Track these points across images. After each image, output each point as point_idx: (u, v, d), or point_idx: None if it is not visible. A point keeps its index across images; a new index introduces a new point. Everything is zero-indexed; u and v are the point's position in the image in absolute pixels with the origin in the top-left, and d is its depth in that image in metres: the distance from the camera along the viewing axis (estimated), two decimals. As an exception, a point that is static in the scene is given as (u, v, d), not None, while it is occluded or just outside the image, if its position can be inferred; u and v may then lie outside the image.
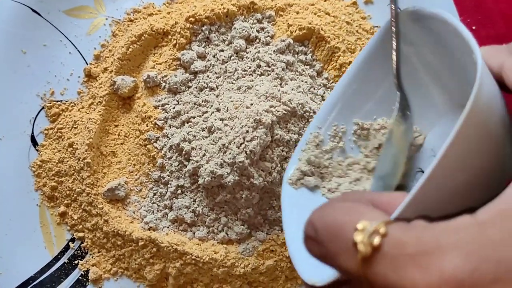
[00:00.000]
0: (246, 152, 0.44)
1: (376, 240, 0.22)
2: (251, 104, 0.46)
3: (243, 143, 0.44)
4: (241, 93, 0.48)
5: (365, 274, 0.23)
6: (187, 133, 0.47)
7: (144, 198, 0.49)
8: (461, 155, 0.25)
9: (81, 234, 0.49)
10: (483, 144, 0.27)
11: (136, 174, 0.50)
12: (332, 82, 0.51)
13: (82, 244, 0.49)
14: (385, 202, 0.26)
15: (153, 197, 0.49)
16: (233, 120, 0.46)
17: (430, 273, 0.20)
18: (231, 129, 0.45)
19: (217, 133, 0.46)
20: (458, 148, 0.25)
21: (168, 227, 0.48)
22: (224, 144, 0.45)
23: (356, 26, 0.53)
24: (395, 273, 0.21)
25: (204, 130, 0.47)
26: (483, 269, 0.19)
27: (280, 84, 0.48)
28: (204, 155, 0.46)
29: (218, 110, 0.48)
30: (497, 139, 0.28)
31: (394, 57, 0.38)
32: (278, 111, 0.45)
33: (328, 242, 0.24)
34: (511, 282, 0.19)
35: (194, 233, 0.48)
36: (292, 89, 0.47)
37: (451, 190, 0.26)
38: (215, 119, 0.47)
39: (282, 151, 0.45)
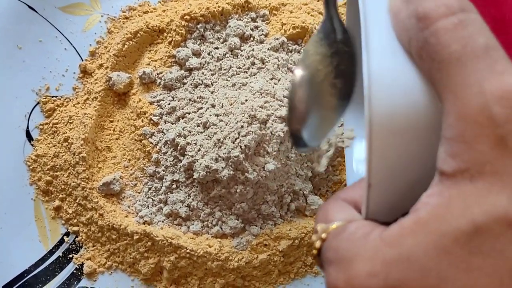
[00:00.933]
0: (241, 147, 0.45)
1: (318, 244, 0.28)
2: (246, 100, 0.47)
3: (238, 138, 0.45)
4: (236, 90, 0.49)
5: (321, 268, 0.28)
6: (182, 129, 0.48)
7: (139, 193, 0.50)
8: (389, 160, 0.26)
9: (75, 228, 0.50)
10: (407, 145, 0.26)
11: (131, 169, 0.50)
12: (325, 80, 0.51)
13: (77, 238, 0.50)
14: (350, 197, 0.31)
15: (148, 191, 0.50)
16: (228, 116, 0.47)
17: (342, 275, 0.25)
18: (226, 124, 0.46)
19: (212, 128, 0.47)
20: (383, 156, 0.26)
21: (162, 221, 0.49)
22: (219, 139, 0.46)
23: (348, 25, 0.54)
24: (326, 271, 0.26)
25: (199, 126, 0.48)
26: (372, 281, 0.23)
27: (274, 81, 0.49)
28: (199, 150, 0.46)
29: (213, 106, 0.48)
30: (421, 135, 0.27)
31: None
32: (272, 107, 0.46)
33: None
34: None
35: (188, 227, 0.48)
36: (286, 87, 0.48)
37: (397, 189, 0.27)
38: (210, 115, 0.47)
39: (276, 146, 0.46)
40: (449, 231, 0.22)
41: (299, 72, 0.37)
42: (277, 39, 0.51)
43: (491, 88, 0.22)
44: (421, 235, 0.23)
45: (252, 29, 0.52)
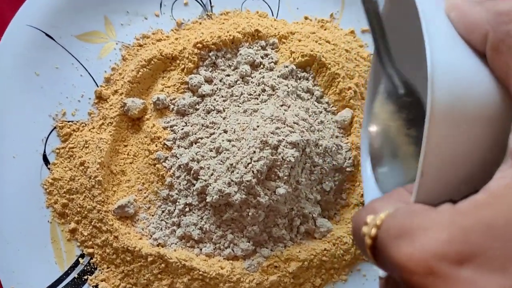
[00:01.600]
0: (253, 171, 0.46)
1: (373, 231, 0.27)
2: (258, 126, 0.48)
3: (250, 163, 0.47)
4: (247, 116, 0.51)
5: (375, 261, 0.28)
6: (196, 153, 0.49)
7: (153, 216, 0.51)
8: (445, 150, 0.27)
9: (90, 250, 0.51)
10: (467, 133, 0.27)
11: (145, 192, 0.52)
12: (332, 106, 0.53)
13: (92, 260, 0.51)
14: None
15: (161, 214, 0.51)
16: (240, 141, 0.48)
17: (414, 246, 0.24)
18: (239, 149, 0.48)
19: (225, 153, 0.48)
20: (439, 146, 0.26)
21: (176, 244, 0.50)
22: (232, 164, 0.47)
23: (355, 53, 0.56)
24: (387, 252, 0.26)
25: (212, 151, 0.49)
26: (452, 247, 0.23)
27: (284, 108, 0.51)
28: (212, 174, 0.48)
29: (225, 131, 0.50)
30: (483, 124, 0.28)
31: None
32: (283, 133, 0.48)
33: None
34: (471, 261, 0.23)
35: (201, 249, 0.50)
36: (296, 113, 0.50)
37: (453, 177, 0.28)
38: (223, 140, 0.49)
39: (287, 171, 0.48)
40: None
41: (373, 133, 0.40)
42: (287, 66, 0.53)
43: None
44: (499, 206, 0.24)
45: (262, 57, 0.54)
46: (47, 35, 0.54)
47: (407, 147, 0.40)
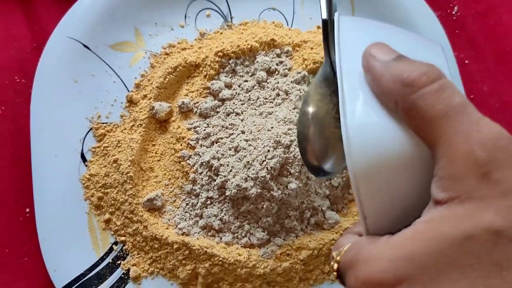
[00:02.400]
0: (267, 168, 0.52)
1: (335, 266, 0.35)
2: (272, 128, 0.54)
3: (265, 160, 0.52)
4: (263, 118, 0.56)
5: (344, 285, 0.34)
6: (216, 152, 0.55)
7: (178, 208, 0.57)
8: (376, 197, 0.32)
9: (123, 238, 0.57)
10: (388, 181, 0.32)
11: (171, 187, 0.58)
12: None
13: (124, 247, 0.57)
14: (356, 231, 0.38)
15: (186, 206, 0.57)
16: (256, 141, 0.54)
17: (357, 275, 0.31)
18: (254, 148, 0.53)
19: (242, 152, 0.54)
20: (369, 195, 0.32)
21: (198, 233, 0.56)
22: (248, 161, 0.53)
23: (363, 60, 0.61)
24: (344, 280, 0.33)
25: (231, 149, 0.55)
26: (384, 275, 0.29)
27: (296, 111, 0.56)
28: (231, 170, 0.53)
29: (243, 132, 0.55)
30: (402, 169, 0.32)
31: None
32: (295, 133, 0.53)
33: None
34: (400, 285, 0.29)
35: (221, 238, 0.55)
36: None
37: (389, 217, 0.33)
38: (241, 140, 0.54)
39: (298, 168, 0.53)
40: (445, 238, 0.28)
41: (303, 111, 0.45)
42: (299, 73, 0.58)
43: (473, 138, 0.29)
44: (421, 241, 0.29)
45: (277, 64, 0.59)
46: (84, 45, 0.60)
47: (333, 129, 0.45)
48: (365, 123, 0.32)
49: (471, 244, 0.28)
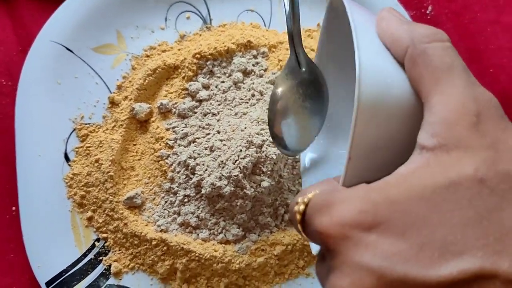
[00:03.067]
0: (240, 167, 0.54)
1: (301, 208, 0.33)
2: (245, 128, 0.55)
3: (238, 160, 0.54)
4: (238, 118, 0.58)
5: (305, 234, 0.33)
6: (193, 152, 0.57)
7: (157, 205, 0.59)
8: (367, 139, 0.33)
9: (105, 235, 0.59)
10: (388, 123, 0.33)
11: (150, 185, 0.60)
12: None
13: (106, 244, 0.59)
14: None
15: (164, 204, 0.59)
16: (230, 141, 0.55)
17: (331, 216, 0.30)
18: (228, 148, 0.55)
19: (217, 151, 0.55)
20: (363, 134, 0.32)
21: (176, 229, 0.58)
22: (223, 160, 0.54)
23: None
24: (312, 224, 0.31)
25: (207, 149, 0.57)
26: (362, 216, 0.29)
27: (270, 111, 0.58)
28: (206, 169, 0.55)
29: (218, 132, 0.57)
30: (402, 113, 0.33)
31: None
32: (267, 133, 0.55)
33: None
34: (377, 228, 0.29)
35: (198, 234, 0.57)
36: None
37: (374, 163, 0.34)
38: (216, 140, 0.56)
39: (270, 166, 0.55)
40: (428, 184, 0.29)
41: (273, 100, 0.47)
42: (274, 73, 0.60)
43: (468, 92, 0.31)
44: (403, 186, 0.29)
45: (253, 65, 0.61)
46: (67, 48, 0.62)
47: (303, 116, 0.48)
48: (375, 62, 0.34)
49: (453, 191, 0.28)
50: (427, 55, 0.32)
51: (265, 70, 0.61)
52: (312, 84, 0.48)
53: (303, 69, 0.48)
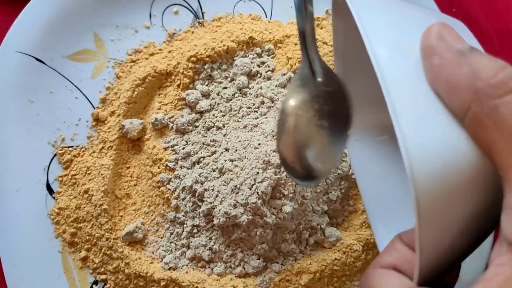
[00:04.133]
0: (257, 193, 0.46)
1: None
2: (259, 144, 0.47)
3: (254, 184, 0.46)
4: (248, 132, 0.50)
5: None
6: (199, 175, 0.49)
7: (162, 238, 0.51)
8: (436, 226, 0.26)
9: (103, 277, 0.51)
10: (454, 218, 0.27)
11: (151, 215, 0.52)
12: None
13: (106, 286, 0.51)
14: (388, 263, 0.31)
15: (170, 236, 0.51)
16: (243, 161, 0.48)
17: None
18: (241, 169, 0.47)
19: (228, 174, 0.48)
20: (429, 224, 0.26)
21: (187, 265, 0.50)
22: (236, 185, 0.47)
23: (354, 52, 0.54)
24: None
25: (215, 171, 0.49)
26: None
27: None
28: (217, 195, 0.48)
29: (227, 150, 0.49)
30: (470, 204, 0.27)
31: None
32: (286, 150, 0.47)
33: None
34: None
35: (212, 269, 0.50)
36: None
37: (446, 251, 0.28)
38: (225, 160, 0.48)
39: (292, 188, 0.47)
40: None
41: (282, 121, 0.38)
42: (284, 74, 0.52)
43: None
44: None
45: (258, 65, 0.53)
46: (37, 59, 0.53)
47: (320, 138, 0.39)
48: (427, 137, 0.26)
49: None
50: (500, 115, 0.24)
51: (272, 71, 0.53)
52: (331, 98, 0.39)
53: (319, 79, 0.39)
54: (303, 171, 0.40)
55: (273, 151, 0.47)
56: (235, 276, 0.50)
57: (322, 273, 0.50)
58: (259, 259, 0.49)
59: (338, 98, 0.39)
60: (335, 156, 0.39)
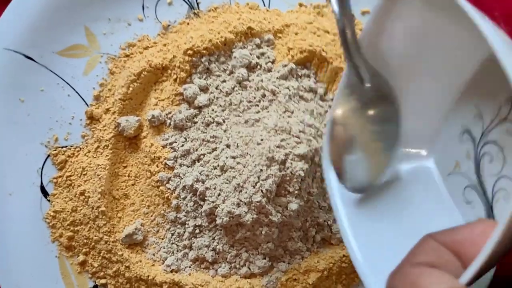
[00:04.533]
0: (262, 191, 0.44)
1: None
2: (262, 140, 0.45)
3: (258, 182, 0.44)
4: (249, 127, 0.48)
5: None
6: (200, 173, 0.47)
7: (163, 239, 0.49)
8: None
9: (103, 281, 0.49)
10: None
11: (151, 216, 0.50)
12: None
13: (106, 291, 0.50)
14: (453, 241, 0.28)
15: (171, 237, 0.49)
16: (245, 157, 0.46)
17: None
18: (244, 167, 0.45)
19: (230, 171, 0.46)
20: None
21: (190, 267, 0.48)
22: (239, 183, 0.45)
23: (356, 40, 0.52)
24: None
25: (216, 169, 0.47)
26: None
27: (287, 114, 0.48)
28: (219, 194, 0.46)
29: (228, 146, 0.47)
30: None
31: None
32: (289, 145, 0.45)
33: None
34: None
35: (216, 270, 0.48)
36: (300, 120, 0.47)
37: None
38: (227, 157, 0.46)
39: (297, 185, 0.45)
40: None
41: (333, 131, 0.38)
42: (285, 65, 0.50)
43: None
44: None
45: (258, 57, 0.50)
46: (26, 56, 0.50)
47: (371, 146, 0.38)
48: None
49: None
50: None
51: (273, 62, 0.51)
52: (382, 102, 0.38)
53: (367, 85, 0.38)
54: (356, 182, 0.40)
55: (277, 146, 0.45)
56: (240, 277, 0.48)
57: (330, 271, 0.48)
58: (264, 258, 0.48)
59: (388, 102, 0.38)
60: (387, 161, 0.38)
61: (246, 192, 0.44)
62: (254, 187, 0.44)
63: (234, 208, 0.45)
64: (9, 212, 0.49)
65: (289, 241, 0.47)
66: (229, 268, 0.48)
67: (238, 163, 0.46)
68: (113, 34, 0.53)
